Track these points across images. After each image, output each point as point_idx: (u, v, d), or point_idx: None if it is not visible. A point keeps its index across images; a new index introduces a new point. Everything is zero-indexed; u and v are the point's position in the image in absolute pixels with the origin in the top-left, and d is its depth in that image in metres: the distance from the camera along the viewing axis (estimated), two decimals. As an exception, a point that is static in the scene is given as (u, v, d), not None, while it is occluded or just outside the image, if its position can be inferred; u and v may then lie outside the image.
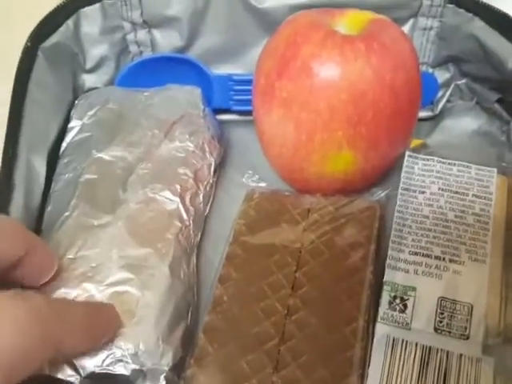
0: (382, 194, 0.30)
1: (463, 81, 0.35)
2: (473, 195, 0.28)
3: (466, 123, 0.34)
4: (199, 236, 0.30)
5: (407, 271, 0.26)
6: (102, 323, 0.23)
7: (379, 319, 0.25)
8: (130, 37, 0.35)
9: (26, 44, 0.31)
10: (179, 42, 0.35)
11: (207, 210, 0.32)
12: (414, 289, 0.26)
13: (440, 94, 0.35)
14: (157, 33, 0.35)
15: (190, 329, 0.26)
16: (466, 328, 0.25)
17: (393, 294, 0.26)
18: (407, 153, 0.30)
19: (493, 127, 0.34)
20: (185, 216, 0.28)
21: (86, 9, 0.33)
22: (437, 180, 0.29)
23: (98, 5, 0.33)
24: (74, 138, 0.31)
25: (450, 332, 0.25)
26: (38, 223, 0.28)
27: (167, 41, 0.36)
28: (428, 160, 0.30)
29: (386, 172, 0.31)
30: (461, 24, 0.32)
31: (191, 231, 0.29)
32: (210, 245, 0.31)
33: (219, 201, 0.33)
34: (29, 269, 0.23)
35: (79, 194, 0.28)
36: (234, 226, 0.30)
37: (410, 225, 0.28)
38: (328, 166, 0.28)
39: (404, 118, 0.27)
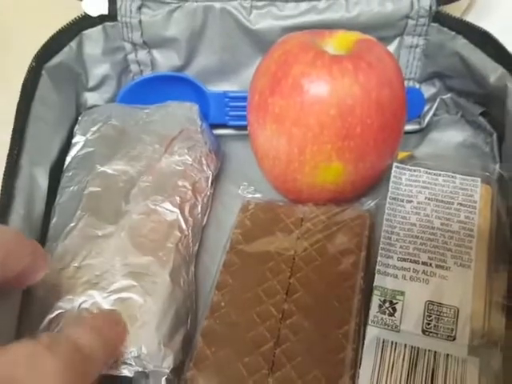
0: (372, 204, 0.31)
1: (448, 95, 0.36)
2: (458, 204, 0.30)
3: (451, 136, 0.36)
4: (197, 245, 0.31)
5: (396, 276, 0.28)
6: (119, 333, 0.25)
7: (370, 322, 0.26)
8: (131, 57, 0.37)
9: (31, 63, 0.32)
10: (177, 62, 0.37)
11: (205, 221, 0.33)
12: (402, 293, 0.27)
13: (426, 108, 0.37)
14: (156, 53, 0.37)
15: (190, 333, 0.27)
16: (452, 330, 0.26)
17: (382, 298, 0.27)
18: (395, 164, 0.31)
19: (477, 139, 0.35)
20: (184, 226, 0.30)
21: (89, 31, 0.35)
22: (423, 190, 0.30)
23: (100, 27, 0.35)
24: (78, 152, 0.32)
25: (437, 334, 0.26)
26: (40, 234, 0.30)
27: (166, 60, 0.37)
28: (415, 171, 0.31)
29: (375, 182, 0.32)
30: (445, 42, 0.34)
31: (190, 241, 0.30)
32: (207, 253, 0.32)
33: (216, 211, 0.34)
34: (25, 272, 0.23)
35: (83, 206, 0.29)
36: (230, 236, 0.31)
37: (398, 232, 0.29)
38: (319, 177, 0.29)
39: (390, 131, 0.29)
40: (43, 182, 0.30)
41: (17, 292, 0.26)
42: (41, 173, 0.30)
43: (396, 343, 0.26)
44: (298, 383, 0.25)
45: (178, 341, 0.26)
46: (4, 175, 0.28)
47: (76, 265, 0.27)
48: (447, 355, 0.25)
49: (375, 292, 0.27)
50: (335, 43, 0.30)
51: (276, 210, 0.32)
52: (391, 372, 0.25)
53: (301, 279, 0.28)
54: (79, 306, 0.26)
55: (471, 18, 0.34)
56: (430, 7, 0.34)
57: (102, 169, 0.31)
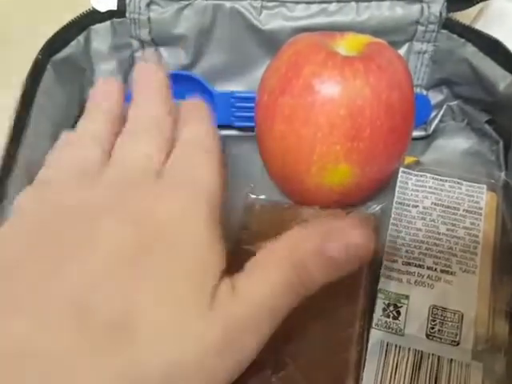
0: (377, 208, 0.31)
1: (455, 102, 0.37)
2: (464, 210, 0.30)
3: (457, 143, 0.36)
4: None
5: (400, 280, 0.28)
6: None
7: (374, 325, 0.26)
8: (138, 54, 0.37)
9: (37, 56, 0.32)
10: (185, 60, 0.37)
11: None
12: (407, 297, 0.27)
13: (433, 114, 0.37)
14: (163, 51, 0.37)
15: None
16: (456, 335, 0.26)
17: (387, 302, 0.27)
18: (401, 169, 0.31)
19: (483, 147, 0.35)
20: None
21: (97, 26, 0.35)
22: (429, 195, 0.30)
23: (108, 22, 0.35)
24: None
25: (441, 338, 0.26)
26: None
27: (173, 58, 0.37)
28: (421, 176, 0.31)
29: (381, 187, 0.32)
30: (454, 48, 0.34)
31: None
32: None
33: (221, 213, 0.34)
34: None
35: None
36: (234, 237, 0.31)
37: (403, 237, 0.29)
38: (326, 178, 0.29)
39: (399, 134, 0.29)
40: None
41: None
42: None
43: (400, 347, 0.26)
44: (302, 384, 0.25)
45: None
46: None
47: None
48: (451, 360, 0.25)
49: (379, 295, 0.27)
50: (346, 45, 0.30)
51: (282, 211, 0.31)
52: (394, 375, 0.25)
53: (305, 281, 0.28)
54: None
55: (481, 26, 0.34)
56: (440, 14, 0.34)
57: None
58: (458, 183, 0.31)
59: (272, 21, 0.35)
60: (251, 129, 0.33)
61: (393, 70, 0.28)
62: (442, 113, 0.37)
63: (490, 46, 0.33)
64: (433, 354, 0.25)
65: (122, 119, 0.25)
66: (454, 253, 0.28)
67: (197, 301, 0.18)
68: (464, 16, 0.35)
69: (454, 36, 0.34)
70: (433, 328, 0.26)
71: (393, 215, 0.30)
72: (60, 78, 0.33)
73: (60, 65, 0.33)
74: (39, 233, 0.19)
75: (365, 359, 0.26)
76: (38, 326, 0.17)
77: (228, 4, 0.35)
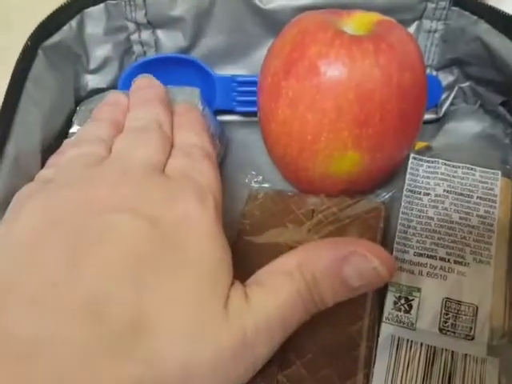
0: (387, 196, 0.30)
1: (467, 84, 0.35)
2: (477, 197, 0.28)
3: (469, 126, 0.34)
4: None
5: (412, 272, 0.26)
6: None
7: (384, 319, 0.25)
8: (134, 37, 0.35)
9: (26, 42, 0.30)
10: (183, 43, 0.35)
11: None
12: (418, 289, 0.26)
13: (444, 96, 0.35)
14: (161, 33, 0.35)
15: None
16: (470, 329, 0.25)
17: (397, 295, 0.26)
18: (412, 155, 0.30)
19: (496, 130, 0.34)
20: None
21: (90, 9, 0.33)
22: (441, 182, 0.29)
23: (102, 5, 0.33)
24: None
25: (454, 332, 0.25)
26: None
27: (171, 41, 0.35)
28: (433, 162, 0.30)
29: (391, 174, 0.31)
30: (465, 26, 0.32)
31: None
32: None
33: (223, 201, 0.33)
34: None
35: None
36: (237, 226, 0.30)
37: (414, 226, 0.28)
38: (333, 167, 0.28)
39: (410, 118, 0.27)
40: (36, 172, 0.28)
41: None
42: (32, 163, 0.28)
43: (412, 342, 0.25)
44: (309, 382, 0.23)
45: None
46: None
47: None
48: (465, 355, 0.24)
49: (390, 288, 0.26)
50: (354, 24, 0.28)
51: (286, 200, 0.30)
52: (406, 371, 0.24)
53: (312, 273, 0.27)
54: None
55: (494, 2, 0.33)
56: (451, -10, 0.32)
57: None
58: (472, 169, 0.29)
59: (274, 0, 0.33)
60: (254, 114, 0.32)
61: (404, 49, 0.27)
62: (453, 95, 0.35)
63: (504, 23, 0.31)
64: (446, 350, 0.24)
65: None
66: (468, 242, 0.27)
67: (212, 303, 0.18)
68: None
69: (466, 13, 0.32)
70: (446, 322, 0.25)
71: (403, 204, 0.28)
72: (52, 64, 0.31)
73: (51, 51, 0.31)
74: (51, 229, 0.19)
75: (375, 355, 0.24)
76: (51, 324, 0.16)
77: (227, -17, 0.33)
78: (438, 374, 0.24)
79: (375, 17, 0.28)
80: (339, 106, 0.26)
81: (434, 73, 0.35)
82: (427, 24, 0.34)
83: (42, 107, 0.30)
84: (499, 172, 0.29)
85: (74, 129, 0.32)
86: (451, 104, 0.35)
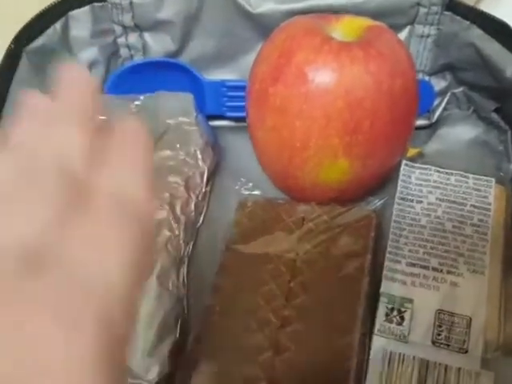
0: (378, 203, 0.29)
1: (460, 89, 0.34)
2: (471, 205, 0.28)
3: (462, 132, 0.34)
4: (191, 245, 0.29)
5: (404, 283, 0.26)
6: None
7: (376, 331, 0.25)
8: (121, 40, 0.34)
9: (9, 46, 0.30)
10: (171, 47, 0.35)
11: (201, 219, 0.31)
12: (411, 301, 0.25)
13: (436, 102, 0.35)
14: (148, 36, 0.35)
15: (179, 342, 0.25)
16: (464, 341, 0.24)
17: (390, 306, 0.25)
18: (404, 162, 0.29)
19: (490, 136, 0.33)
20: (174, 225, 0.27)
21: (76, 11, 0.32)
22: (434, 190, 0.28)
23: (87, 7, 0.32)
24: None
25: (448, 345, 0.24)
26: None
27: (159, 45, 0.35)
28: (425, 169, 0.29)
29: (383, 181, 0.30)
30: (458, 32, 0.32)
31: (181, 240, 0.28)
32: (202, 254, 0.30)
33: (213, 209, 0.32)
34: None
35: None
36: (227, 235, 0.29)
37: (407, 235, 0.27)
38: (323, 175, 0.27)
39: (402, 125, 0.27)
40: None
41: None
42: None
43: (404, 355, 0.24)
44: (300, 397, 0.23)
45: (165, 350, 0.24)
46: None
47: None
48: (459, 369, 0.24)
49: (382, 299, 0.25)
50: (343, 29, 0.27)
51: (276, 208, 0.29)
52: (399, 386, 0.23)
53: (302, 283, 0.26)
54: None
55: (485, 8, 0.32)
56: (444, -6, 0.32)
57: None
58: (465, 177, 0.29)
59: (263, 4, 0.32)
60: (245, 119, 0.31)
61: (394, 56, 0.26)
62: (446, 100, 0.35)
63: (496, 29, 0.30)
64: (439, 363, 0.24)
65: None
66: (461, 252, 0.26)
67: None
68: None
69: (458, 18, 0.32)
70: (439, 334, 0.24)
71: (395, 212, 0.28)
72: (36, 68, 0.31)
73: (35, 54, 0.31)
74: None
75: (367, 368, 0.24)
76: None
77: (216, -14, 0.32)
78: (432, 389, 0.23)
79: (365, 22, 0.28)
80: (328, 113, 0.25)
81: (427, 78, 0.35)
82: (419, 29, 0.33)
83: None
84: (493, 179, 0.29)
85: None
86: (444, 109, 0.35)
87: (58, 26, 0.32)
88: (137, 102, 0.32)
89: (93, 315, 0.13)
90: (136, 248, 0.15)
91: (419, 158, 0.30)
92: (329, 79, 0.25)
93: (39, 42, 0.31)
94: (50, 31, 0.31)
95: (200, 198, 0.30)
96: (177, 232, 0.27)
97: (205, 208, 0.31)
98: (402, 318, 0.25)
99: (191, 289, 0.28)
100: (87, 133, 0.17)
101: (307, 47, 0.26)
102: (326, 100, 0.25)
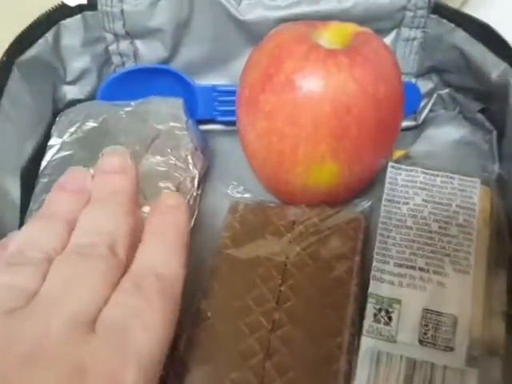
0: (366, 206, 0.30)
1: (446, 91, 0.35)
2: (456, 206, 0.28)
3: (448, 133, 0.34)
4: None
5: (392, 283, 0.26)
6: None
7: (364, 332, 0.25)
8: (113, 48, 0.35)
9: (1, 58, 0.30)
10: (163, 53, 0.35)
11: (192, 223, 0.31)
12: (398, 301, 0.26)
13: (423, 103, 0.35)
14: (140, 44, 0.35)
15: (171, 344, 0.26)
16: (450, 340, 0.25)
17: (378, 307, 0.26)
18: (390, 164, 0.30)
19: (476, 137, 0.34)
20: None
21: (67, 21, 0.33)
22: (420, 191, 0.29)
23: (78, 16, 0.33)
24: (53, 156, 0.30)
25: (434, 344, 0.25)
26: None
27: (150, 52, 0.35)
28: (411, 171, 0.30)
29: (370, 183, 0.31)
30: (444, 34, 0.33)
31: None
32: (193, 258, 0.30)
33: (204, 213, 0.33)
34: None
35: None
36: (218, 240, 0.30)
37: (394, 236, 0.28)
38: (312, 179, 0.28)
39: (388, 129, 0.27)
40: (14, 189, 0.28)
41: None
42: (10, 180, 0.28)
43: (392, 355, 0.25)
44: (290, 396, 0.23)
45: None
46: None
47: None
48: (445, 367, 0.24)
49: (370, 300, 0.26)
50: (330, 36, 0.28)
51: (267, 211, 0.30)
52: (386, 385, 0.24)
53: (292, 287, 0.27)
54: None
55: (469, 11, 0.33)
56: (429, -2, 0.32)
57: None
58: (451, 177, 0.29)
59: (252, 10, 0.33)
60: (235, 123, 0.32)
61: (380, 61, 0.27)
62: (432, 102, 0.35)
63: (481, 32, 0.31)
64: (426, 362, 0.24)
65: None
66: (447, 252, 0.27)
67: None
68: (453, 1, 0.33)
69: (444, 21, 0.32)
70: (426, 333, 0.25)
71: (382, 213, 0.28)
72: (27, 79, 0.31)
73: (27, 66, 0.31)
74: None
75: (355, 368, 0.24)
76: None
77: (206, -7, 0.33)
78: (418, 387, 0.24)
79: (351, 28, 0.28)
80: (316, 119, 0.26)
81: (414, 80, 0.35)
82: (406, 32, 0.34)
83: (18, 123, 0.30)
84: (478, 180, 0.29)
85: (52, 141, 0.32)
86: (430, 111, 0.35)
87: (49, 35, 0.32)
88: (127, 108, 0.32)
89: (137, 366, 0.18)
90: (169, 321, 0.20)
91: (406, 159, 0.30)
92: (316, 87, 0.26)
93: (30, 53, 0.31)
94: (41, 41, 0.32)
95: (191, 203, 0.31)
96: (169, 236, 0.28)
97: (196, 212, 0.32)
98: (390, 319, 0.25)
99: (183, 291, 0.29)
100: (130, 215, 0.22)
101: (295, 55, 0.26)
102: (314, 107, 0.26)
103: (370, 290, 0.26)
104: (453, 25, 0.32)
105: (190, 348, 0.25)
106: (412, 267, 0.27)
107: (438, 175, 0.29)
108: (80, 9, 0.33)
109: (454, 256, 0.27)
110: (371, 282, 0.26)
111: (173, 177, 0.30)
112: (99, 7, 0.33)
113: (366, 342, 0.25)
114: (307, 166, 0.27)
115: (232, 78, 0.35)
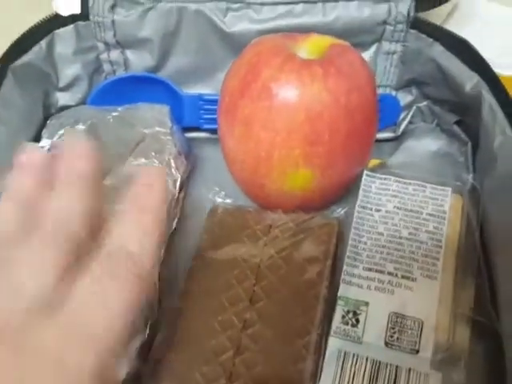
0: (342, 212, 0.31)
1: (424, 103, 0.36)
2: (427, 214, 0.29)
3: (426, 144, 0.35)
4: (162, 251, 0.31)
5: (361, 286, 0.27)
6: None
7: (332, 333, 0.26)
8: (104, 56, 0.36)
9: None
10: (151, 62, 0.36)
11: (173, 225, 0.32)
12: (366, 303, 0.26)
13: (402, 115, 0.36)
14: (130, 53, 0.36)
15: (149, 342, 0.27)
16: (415, 343, 0.25)
17: (346, 309, 0.26)
18: (365, 172, 0.31)
19: (452, 148, 0.35)
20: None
21: (61, 30, 0.34)
22: (392, 198, 0.30)
23: (71, 26, 0.34)
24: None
25: (400, 346, 0.25)
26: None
27: (140, 61, 0.36)
28: (385, 179, 0.31)
29: (346, 190, 0.31)
30: (422, 48, 0.34)
31: (154, 245, 0.29)
32: (174, 260, 0.31)
33: (187, 216, 0.34)
34: None
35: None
36: (197, 244, 0.30)
37: (365, 241, 0.28)
38: (287, 183, 0.29)
39: (360, 137, 0.28)
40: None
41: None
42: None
43: (357, 356, 0.25)
44: (256, 394, 0.24)
45: (132, 350, 0.25)
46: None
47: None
48: (409, 369, 0.25)
49: (339, 302, 0.27)
50: (308, 47, 0.29)
51: (245, 215, 0.31)
52: (351, 385, 0.25)
53: (265, 287, 0.27)
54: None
55: (452, 26, 0.34)
56: (408, 13, 0.33)
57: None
58: (422, 186, 0.30)
59: (238, 23, 0.34)
60: (219, 131, 0.33)
61: (353, 73, 0.28)
62: (411, 114, 0.36)
63: (457, 46, 0.32)
64: (391, 364, 0.25)
65: None
66: (416, 258, 0.28)
67: None
68: (435, 17, 0.34)
69: (423, 36, 0.33)
70: (392, 336, 0.26)
71: (355, 219, 0.29)
72: (20, 83, 0.32)
73: (21, 71, 0.32)
74: None
75: (321, 368, 0.25)
76: None
77: (193, 6, 0.34)
78: (382, 388, 0.25)
79: (329, 40, 0.30)
80: (290, 126, 0.27)
81: (394, 93, 0.36)
82: (386, 46, 0.35)
83: (9, 126, 0.31)
84: (450, 189, 0.30)
85: (42, 143, 0.33)
86: (410, 123, 0.36)
87: (43, 43, 0.34)
88: (115, 113, 0.34)
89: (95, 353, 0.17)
90: (132, 302, 0.19)
91: (381, 168, 0.31)
92: (291, 95, 0.27)
93: (25, 59, 0.33)
94: (35, 48, 0.33)
95: (173, 205, 0.32)
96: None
97: (178, 214, 0.33)
98: (357, 320, 0.26)
99: (163, 292, 0.30)
100: (87, 198, 0.20)
101: (272, 65, 0.28)
102: (288, 114, 0.27)
103: (339, 292, 0.27)
104: (431, 39, 0.33)
105: (164, 344, 0.26)
106: (381, 271, 0.27)
107: (410, 184, 0.30)
108: (73, 19, 0.34)
109: (423, 261, 0.27)
110: (341, 284, 0.27)
111: (154, 180, 0.31)
112: (91, 17, 0.34)
113: (334, 343, 0.26)
114: (282, 170, 0.28)
115: (217, 88, 0.36)
